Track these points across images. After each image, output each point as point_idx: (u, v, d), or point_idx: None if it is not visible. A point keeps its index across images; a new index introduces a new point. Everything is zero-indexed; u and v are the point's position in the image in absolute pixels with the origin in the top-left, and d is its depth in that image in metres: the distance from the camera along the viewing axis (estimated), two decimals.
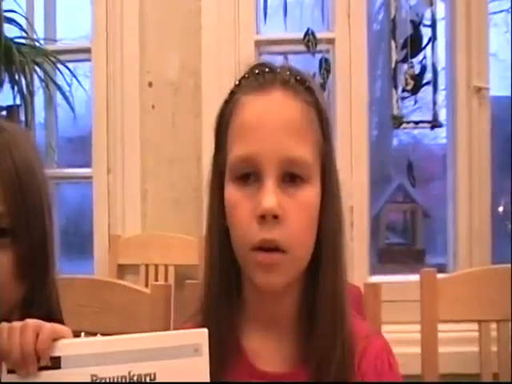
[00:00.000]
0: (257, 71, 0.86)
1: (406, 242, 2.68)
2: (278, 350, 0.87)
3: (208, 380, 0.67)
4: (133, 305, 1.17)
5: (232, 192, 0.83)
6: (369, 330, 0.92)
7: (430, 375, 1.25)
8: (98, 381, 0.66)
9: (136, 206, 2.42)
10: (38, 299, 0.84)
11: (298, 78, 0.85)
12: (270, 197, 0.78)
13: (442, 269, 1.97)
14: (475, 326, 1.33)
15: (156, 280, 2.29)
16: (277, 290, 0.82)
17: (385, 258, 2.55)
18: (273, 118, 0.81)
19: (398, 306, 1.91)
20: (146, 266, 2.35)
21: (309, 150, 0.82)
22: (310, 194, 0.82)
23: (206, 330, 0.68)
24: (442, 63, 2.30)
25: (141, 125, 2.41)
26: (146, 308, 1.15)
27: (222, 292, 0.87)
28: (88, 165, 2.48)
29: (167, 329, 1.13)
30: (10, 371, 0.67)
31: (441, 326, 1.27)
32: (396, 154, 2.64)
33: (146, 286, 2.18)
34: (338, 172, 0.87)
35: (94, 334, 1.15)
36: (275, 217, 0.78)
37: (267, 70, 0.86)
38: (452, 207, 2.29)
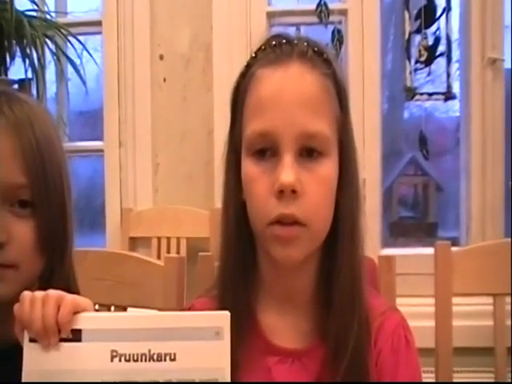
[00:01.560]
0: (274, 43, 0.85)
1: (418, 216, 2.66)
2: (295, 326, 0.87)
3: (228, 364, 0.66)
4: (146, 277, 1.17)
5: (249, 167, 0.82)
6: (385, 305, 0.92)
7: (443, 349, 1.25)
8: (118, 356, 0.66)
9: (147, 180, 2.42)
10: (57, 272, 0.85)
11: (316, 49, 0.84)
12: (288, 172, 0.78)
13: (454, 242, 1.96)
14: (490, 299, 1.33)
15: (168, 253, 2.30)
16: (295, 264, 0.82)
17: (396, 231, 2.54)
18: (290, 92, 0.80)
19: (411, 279, 1.91)
20: (158, 239, 2.36)
21: (326, 123, 0.81)
22: (328, 167, 0.82)
23: (228, 314, 0.67)
24: (455, 34, 2.27)
25: (152, 98, 2.40)
26: (159, 280, 1.16)
27: (238, 267, 0.87)
28: (99, 139, 2.48)
29: (180, 302, 1.13)
30: (31, 340, 0.67)
31: (455, 300, 1.26)
32: (407, 127, 2.61)
33: (158, 259, 2.18)
34: (355, 145, 0.86)
35: (108, 307, 1.15)
36: (293, 191, 0.78)
37: (284, 41, 0.84)
38: (465, 181, 2.28)
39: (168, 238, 2.35)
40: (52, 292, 0.70)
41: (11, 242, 0.79)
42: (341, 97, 0.84)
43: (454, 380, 1.24)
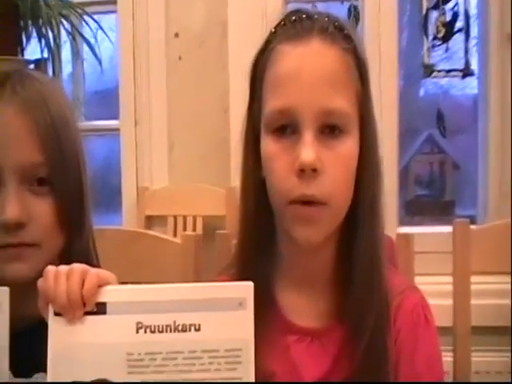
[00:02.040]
0: (294, 18, 0.84)
1: (435, 194, 2.65)
2: (314, 305, 0.87)
3: (252, 334, 0.67)
4: (163, 255, 1.18)
5: (269, 144, 0.82)
6: (404, 283, 0.91)
7: (461, 327, 1.24)
8: (143, 328, 0.67)
9: (163, 158, 2.43)
10: (77, 249, 0.85)
11: (337, 24, 0.83)
12: (309, 150, 0.77)
13: (471, 221, 1.95)
14: (508, 278, 1.32)
15: (184, 231, 2.31)
16: (315, 243, 0.82)
17: (413, 209, 2.53)
18: (311, 68, 0.79)
19: (429, 257, 1.90)
20: (174, 217, 2.37)
21: (348, 100, 0.80)
22: (349, 145, 0.81)
23: (251, 284, 0.68)
24: (474, 10, 2.24)
25: (167, 76, 2.40)
26: (176, 258, 1.16)
27: (256, 245, 0.86)
28: (115, 118, 2.49)
29: (198, 280, 1.14)
30: (56, 314, 0.68)
31: (473, 278, 1.26)
32: (424, 104, 2.59)
33: (175, 237, 2.19)
34: (375, 121, 0.85)
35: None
36: (314, 170, 0.77)
37: (304, 16, 0.83)
38: (482, 159, 2.26)
39: (184, 217, 2.36)
40: (76, 266, 0.70)
41: (32, 221, 0.80)
42: (361, 73, 0.83)
43: (473, 359, 1.24)
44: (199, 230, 2.29)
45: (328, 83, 0.79)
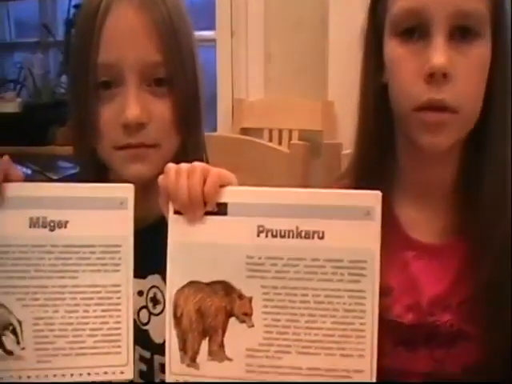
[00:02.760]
0: None
1: None
2: (434, 220, 0.83)
3: (378, 246, 0.64)
4: (270, 164, 1.17)
5: (395, 48, 0.77)
6: None
7: None
8: (265, 232, 0.65)
9: (259, 70, 2.40)
10: (192, 152, 0.85)
11: None
12: (440, 54, 0.72)
13: None
14: None
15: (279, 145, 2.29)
16: (441, 151, 0.78)
17: None
18: None
19: None
20: (270, 130, 2.35)
21: (483, 0, 0.75)
22: (482, 50, 0.75)
23: (380, 193, 0.64)
24: None
25: None
26: (283, 168, 1.14)
27: (374, 155, 0.83)
28: (211, 29, 2.46)
29: None
30: (176, 212, 0.67)
31: None
32: None
33: None
34: (510, 25, 0.79)
35: None
36: (444, 75, 0.73)
37: None
38: None
39: (279, 130, 2.34)
40: (198, 164, 0.68)
41: (151, 121, 0.79)
42: None
43: None
44: None
45: None
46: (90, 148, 0.83)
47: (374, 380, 0.65)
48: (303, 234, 0.65)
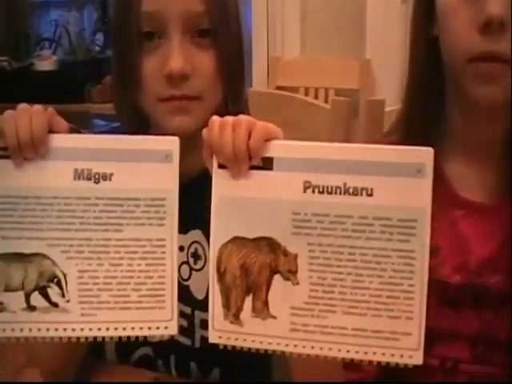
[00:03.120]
0: None
1: None
2: (483, 179, 0.81)
3: (429, 205, 0.62)
4: (311, 121, 1.14)
5: None
6: None
7: None
8: (311, 188, 0.63)
9: (296, 28, 2.36)
10: (235, 106, 0.84)
11: None
12: (496, 2, 0.69)
13: None
14: None
15: None
16: (495, 104, 0.75)
17: None
18: None
19: None
20: (306, 89, 2.32)
21: None
22: None
23: (432, 150, 0.61)
24: None
25: None
26: (325, 125, 1.12)
27: (424, 111, 0.81)
28: None
29: None
30: (220, 166, 0.65)
31: None
32: None
33: None
34: None
35: None
36: (501, 24, 0.69)
37: None
38: None
39: (316, 89, 2.30)
40: (243, 117, 0.66)
41: (195, 73, 0.78)
42: None
43: None
44: None
45: None
46: (131, 101, 0.82)
47: (422, 343, 0.63)
48: (351, 190, 0.62)
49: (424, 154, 0.62)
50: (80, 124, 0.70)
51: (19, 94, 1.48)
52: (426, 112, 0.81)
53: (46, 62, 2.62)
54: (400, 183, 0.62)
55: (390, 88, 2.11)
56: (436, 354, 0.81)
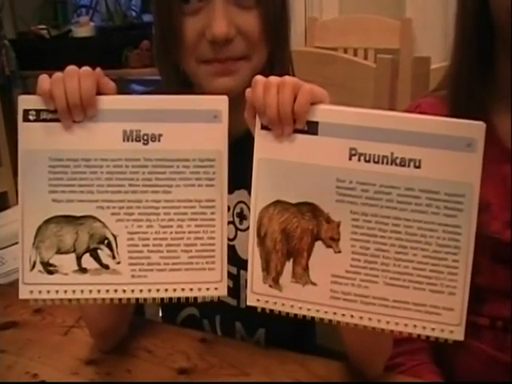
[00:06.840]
0: None
1: None
2: None
3: (478, 180, 0.60)
4: (356, 79, 1.12)
5: None
6: None
7: None
8: (357, 155, 0.62)
9: None
10: (279, 67, 0.82)
11: None
12: None
13: None
14: None
15: None
16: None
17: None
18: None
19: None
20: (345, 49, 2.27)
21: None
22: None
23: (484, 125, 0.59)
24: None
25: None
26: (370, 82, 1.09)
27: (473, 63, 0.79)
28: None
29: (393, 105, 1.08)
30: (263, 128, 0.64)
31: None
32: None
33: None
34: None
35: None
36: None
37: None
38: None
39: (355, 50, 2.26)
40: (288, 78, 0.64)
41: (239, 34, 0.77)
42: None
43: None
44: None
45: None
46: (174, 63, 0.81)
47: (464, 319, 0.62)
48: (398, 161, 0.61)
49: (475, 129, 0.60)
50: (118, 89, 0.69)
51: (58, 60, 1.49)
52: (476, 65, 0.79)
53: (83, 29, 2.62)
54: (449, 156, 0.60)
55: (430, 46, 2.07)
56: (486, 313, 0.80)
